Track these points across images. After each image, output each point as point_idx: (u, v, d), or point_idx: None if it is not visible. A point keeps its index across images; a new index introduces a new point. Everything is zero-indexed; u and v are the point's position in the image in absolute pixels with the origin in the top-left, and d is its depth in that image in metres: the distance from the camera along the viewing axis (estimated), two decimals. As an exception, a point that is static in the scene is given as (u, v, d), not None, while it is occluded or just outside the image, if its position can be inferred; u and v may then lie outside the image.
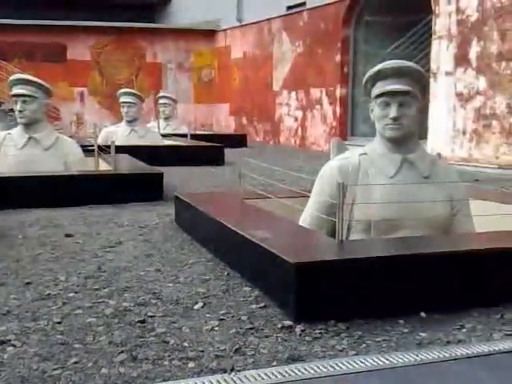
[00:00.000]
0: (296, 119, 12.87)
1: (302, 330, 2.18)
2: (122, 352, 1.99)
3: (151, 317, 2.33)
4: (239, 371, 1.84)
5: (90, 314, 2.37)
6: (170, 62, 16.09)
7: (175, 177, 6.64)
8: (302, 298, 2.28)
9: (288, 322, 2.25)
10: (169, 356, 1.97)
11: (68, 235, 3.79)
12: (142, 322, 2.27)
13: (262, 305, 2.45)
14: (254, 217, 3.41)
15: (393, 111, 2.92)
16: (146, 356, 1.96)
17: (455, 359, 1.93)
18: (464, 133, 8.42)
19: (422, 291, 2.42)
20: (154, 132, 9.28)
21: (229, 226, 3.02)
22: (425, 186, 2.98)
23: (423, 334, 2.16)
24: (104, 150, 5.73)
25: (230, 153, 8.83)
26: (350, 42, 11.43)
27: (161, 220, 4.33)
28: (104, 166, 5.73)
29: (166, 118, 11.44)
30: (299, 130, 12.78)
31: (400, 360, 1.91)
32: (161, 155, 7.75)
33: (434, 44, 8.94)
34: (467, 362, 1.92)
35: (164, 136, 9.63)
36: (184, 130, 10.55)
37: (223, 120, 16.00)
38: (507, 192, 4.94)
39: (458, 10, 8.49)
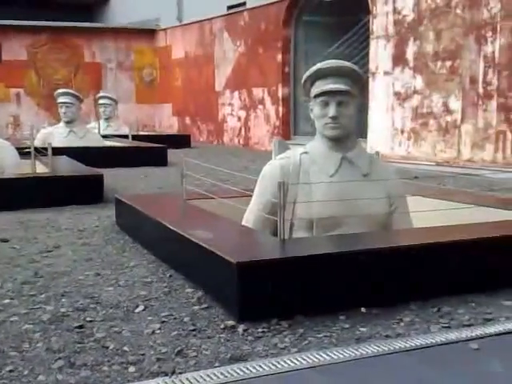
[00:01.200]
0: (239, 119, 12.89)
1: (245, 330, 2.17)
2: (60, 358, 1.94)
3: (90, 322, 2.28)
4: (180, 373, 1.82)
5: (26, 320, 2.29)
6: (110, 62, 15.81)
7: (116, 179, 6.53)
8: (245, 298, 2.28)
9: (231, 322, 2.24)
10: (108, 361, 1.92)
11: (3, 240, 3.66)
12: (81, 327, 2.22)
13: (205, 306, 2.43)
14: (196, 217, 3.39)
15: (332, 110, 2.95)
16: (85, 362, 1.92)
17: (394, 352, 1.97)
18: (402, 131, 8.63)
19: (362, 287, 2.46)
20: (93, 133, 9.10)
21: (170, 226, 2.99)
22: (364, 183, 3.02)
23: (363, 329, 2.20)
24: (41, 152, 5.58)
25: (173, 153, 8.75)
26: (291, 42, 11.53)
27: (101, 223, 4.24)
28: (41, 169, 5.58)
29: (107, 119, 11.24)
30: (243, 129, 12.80)
31: (340, 355, 1.93)
32: (101, 157, 7.60)
33: (372, 44, 9.12)
34: (406, 355, 1.96)
35: (104, 137, 9.46)
36: (125, 130, 10.39)
37: (166, 120, 15.86)
38: (444, 188, 5.08)
39: (395, 11, 8.69)
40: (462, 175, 6.39)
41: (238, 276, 2.27)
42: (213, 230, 2.90)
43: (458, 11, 7.77)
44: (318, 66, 3.02)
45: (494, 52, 7.35)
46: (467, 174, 6.45)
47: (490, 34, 7.39)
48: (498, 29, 7.29)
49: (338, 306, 2.38)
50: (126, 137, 9.78)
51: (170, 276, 2.87)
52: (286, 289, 2.34)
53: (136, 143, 9.26)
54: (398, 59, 8.65)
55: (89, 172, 5.59)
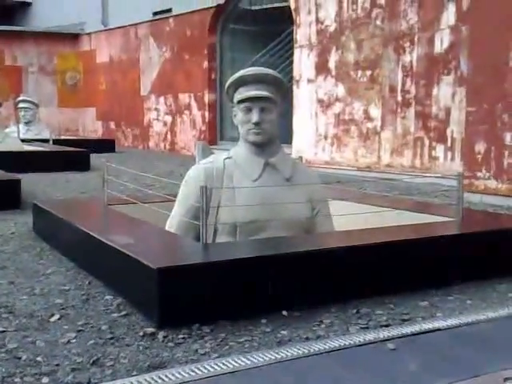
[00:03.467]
0: (165, 124, 12.76)
1: (165, 336, 2.14)
2: (-33, 372, 1.84)
3: (2, 332, 2.17)
4: (96, 383, 1.77)
5: None
6: (32, 66, 15.32)
7: (35, 184, 6.31)
8: (165, 304, 2.24)
9: (151, 329, 2.19)
10: (21, 372, 1.84)
11: None
12: (-9, 338, 2.11)
13: (125, 313, 2.38)
14: (116, 222, 3.31)
15: (255, 116, 2.97)
16: (-5, 375, 1.82)
17: (313, 354, 1.99)
18: (326, 137, 8.81)
19: (284, 290, 2.47)
20: (12, 137, 8.76)
21: (89, 232, 2.91)
22: (286, 188, 3.06)
23: (284, 332, 2.21)
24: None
25: (96, 158, 8.55)
26: (217, 49, 11.55)
27: (17, 229, 4.07)
28: (-46, 174, 5.31)
29: (27, 123, 10.86)
30: (169, 134, 12.68)
31: (261, 359, 1.93)
32: (20, 161, 7.33)
33: (296, 53, 9.27)
34: (325, 357, 1.98)
35: (24, 141, 9.12)
36: (46, 135, 10.07)
37: (90, 125, 15.49)
38: (365, 192, 5.22)
39: (318, 21, 8.87)
40: (382, 180, 6.59)
41: (157, 282, 2.23)
42: (133, 235, 2.84)
43: (378, 22, 8.02)
44: (241, 72, 3.04)
45: (411, 62, 7.63)
46: (387, 179, 6.65)
47: (408, 44, 7.67)
48: (416, 40, 7.58)
49: (260, 309, 2.38)
50: (46, 141, 9.47)
51: (89, 283, 2.79)
52: (208, 293, 2.33)
53: (56, 147, 8.98)
54: (321, 68, 8.83)
55: (4, 177, 5.37)
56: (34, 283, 2.80)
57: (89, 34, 15.25)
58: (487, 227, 3.27)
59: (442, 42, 7.26)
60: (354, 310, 2.46)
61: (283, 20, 9.93)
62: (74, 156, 8.49)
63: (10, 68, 15.06)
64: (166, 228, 3.14)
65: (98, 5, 14.75)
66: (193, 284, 2.31)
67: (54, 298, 2.56)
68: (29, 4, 18.65)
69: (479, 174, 5.80)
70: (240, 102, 3.01)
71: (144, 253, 2.48)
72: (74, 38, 15.60)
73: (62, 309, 2.43)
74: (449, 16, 7.17)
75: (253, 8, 11.23)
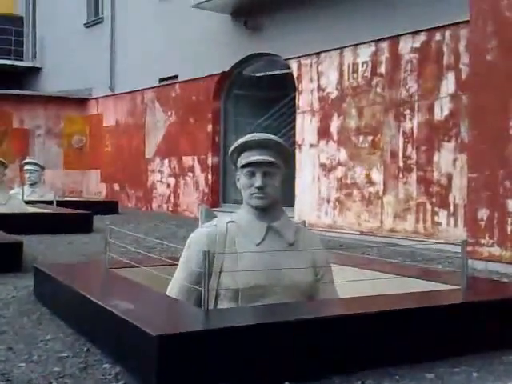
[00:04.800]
0: (168, 186, 12.85)
1: (164, 407, 2.08)
2: None
3: (-3, 402, 2.12)
4: None
5: None
6: (39, 129, 15.61)
7: (38, 246, 6.30)
8: (165, 373, 2.20)
9: (149, 399, 2.14)
10: None
11: None
12: (-14, 408, 2.06)
13: (123, 382, 2.32)
14: (118, 287, 3.28)
15: (258, 181, 3.00)
16: None
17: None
18: (328, 201, 8.84)
19: (286, 359, 2.42)
20: (16, 199, 8.81)
21: (89, 296, 2.88)
22: (290, 253, 3.04)
23: (286, 404, 2.15)
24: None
25: (99, 220, 8.56)
26: (221, 114, 11.76)
27: (18, 293, 4.04)
28: (-44, 236, 5.31)
29: (32, 185, 10.95)
30: (172, 196, 12.75)
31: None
32: (23, 223, 7.34)
33: (299, 118, 9.44)
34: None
35: (28, 203, 9.17)
36: (51, 196, 10.13)
37: (94, 187, 15.60)
38: (368, 258, 5.18)
39: (319, 88, 9.08)
40: (386, 245, 6.56)
41: (157, 349, 2.19)
42: (134, 301, 2.81)
43: (379, 90, 8.20)
44: (245, 138, 3.09)
45: (412, 128, 7.75)
46: (390, 244, 6.63)
47: (408, 111, 7.81)
48: (416, 107, 7.72)
49: (261, 379, 2.33)
50: (51, 203, 9.51)
51: (88, 350, 2.74)
52: (209, 361, 2.28)
53: (60, 209, 9.01)
54: (323, 133, 8.97)
55: (7, 239, 5.36)
56: (33, 349, 2.75)
57: (96, 98, 15.59)
58: (493, 296, 3.23)
59: (442, 109, 7.40)
60: (359, 382, 2.40)
61: (286, 86, 10.16)
62: (76, 218, 8.51)
63: (17, 131, 15.33)
64: (168, 292, 3.11)
65: (106, 71, 15.14)
66: (194, 352, 2.26)
67: (51, 366, 2.51)
68: (38, 69, 19.16)
69: (483, 240, 5.78)
70: (243, 166, 3.04)
71: (144, 319, 2.45)
72: (81, 102, 15.94)
73: (60, 377, 2.38)
74: (448, 84, 7.34)
75: (256, 75, 11.52)
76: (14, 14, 19.96)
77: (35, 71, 19.30)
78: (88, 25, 16.28)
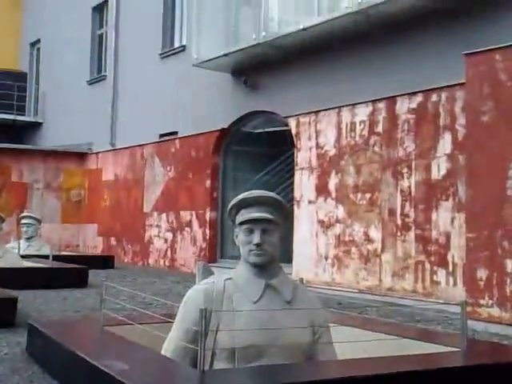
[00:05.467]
0: (166, 241, 12.81)
1: None
2: None
3: None
4: None
5: None
6: (38, 182, 15.68)
7: (32, 301, 6.22)
8: None
9: None
10: None
11: None
12: None
13: None
14: (112, 346, 3.22)
15: (256, 238, 2.99)
16: None
17: None
18: (326, 258, 8.80)
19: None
20: (12, 253, 8.76)
21: (83, 356, 2.82)
22: (287, 311, 3.01)
23: None
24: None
25: (95, 274, 8.49)
26: (220, 169, 11.86)
27: (11, 350, 3.96)
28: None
29: (28, 238, 10.90)
30: (169, 251, 12.69)
31: None
32: (18, 278, 7.28)
33: (297, 174, 9.52)
34: None
35: (25, 257, 9.11)
36: (47, 250, 10.07)
37: (91, 241, 15.54)
38: (367, 317, 5.12)
39: (318, 146, 9.20)
40: (385, 304, 6.48)
41: (152, 412, 2.14)
42: (129, 361, 2.75)
43: (376, 149, 8.30)
44: (243, 195, 3.10)
45: (410, 187, 7.81)
46: (390, 304, 6.55)
47: (405, 170, 7.88)
48: (413, 166, 7.80)
49: None
50: (47, 257, 9.46)
51: (80, 411, 2.66)
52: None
53: (56, 264, 8.95)
54: (321, 190, 9.02)
55: (1, 294, 5.29)
56: (23, 410, 2.68)
57: (96, 153, 15.74)
58: (493, 359, 3.18)
59: (439, 168, 7.47)
60: None
61: (284, 143, 10.29)
62: (72, 273, 8.45)
63: (16, 184, 15.39)
64: (163, 351, 3.05)
65: (107, 126, 15.35)
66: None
67: (42, 428, 2.44)
68: (39, 124, 19.42)
69: (482, 301, 5.73)
70: (242, 223, 3.05)
71: (137, 380, 2.39)
72: (81, 156, 16.08)
73: None
74: (445, 144, 7.44)
75: (255, 131, 11.68)
76: (18, 70, 20.39)
77: (36, 126, 19.56)
78: (90, 82, 16.61)
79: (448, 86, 7.44)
